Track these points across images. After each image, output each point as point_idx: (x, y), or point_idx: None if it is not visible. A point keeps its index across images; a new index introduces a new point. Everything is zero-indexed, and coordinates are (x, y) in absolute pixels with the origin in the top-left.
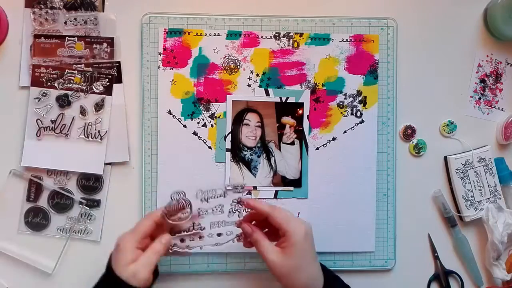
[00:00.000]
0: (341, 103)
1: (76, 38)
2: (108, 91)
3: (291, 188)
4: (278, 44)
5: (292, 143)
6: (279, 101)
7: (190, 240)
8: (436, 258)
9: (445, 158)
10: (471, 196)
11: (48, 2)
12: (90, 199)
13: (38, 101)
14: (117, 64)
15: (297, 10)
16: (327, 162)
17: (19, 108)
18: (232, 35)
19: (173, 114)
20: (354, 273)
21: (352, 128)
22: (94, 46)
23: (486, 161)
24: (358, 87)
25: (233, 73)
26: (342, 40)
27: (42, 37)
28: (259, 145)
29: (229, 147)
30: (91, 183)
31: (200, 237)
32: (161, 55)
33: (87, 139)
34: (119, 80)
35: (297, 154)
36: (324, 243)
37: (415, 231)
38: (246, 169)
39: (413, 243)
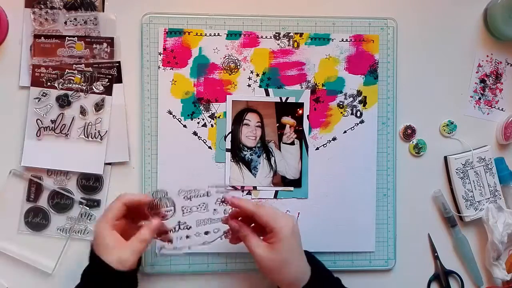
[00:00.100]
0: (341, 103)
1: (76, 38)
2: (108, 91)
3: (291, 188)
4: (278, 44)
5: (292, 143)
6: (279, 101)
7: (178, 239)
8: (436, 258)
9: (445, 158)
10: (471, 196)
11: (48, 2)
12: (90, 199)
13: (38, 101)
14: (117, 64)
15: (297, 10)
16: (327, 162)
17: (19, 108)
18: (232, 35)
19: (173, 114)
20: (354, 273)
21: (352, 128)
22: (94, 46)
23: (486, 161)
24: (358, 87)
25: (233, 73)
26: (342, 40)
27: (42, 37)
28: (259, 145)
29: (229, 147)
30: (91, 183)
31: (187, 237)
32: (161, 55)
33: (87, 139)
34: (119, 80)
35: (297, 154)
36: (324, 243)
37: (415, 231)
38: (246, 169)
39: (413, 243)
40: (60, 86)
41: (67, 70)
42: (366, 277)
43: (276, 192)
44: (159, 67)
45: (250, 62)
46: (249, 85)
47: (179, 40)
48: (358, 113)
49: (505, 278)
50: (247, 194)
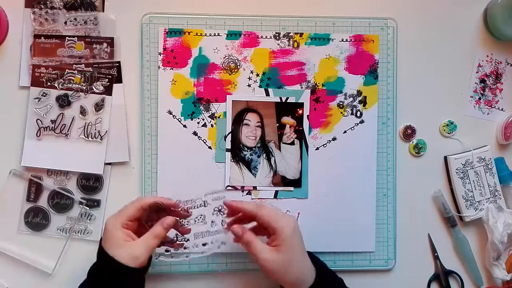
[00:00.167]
0: (341, 103)
1: (76, 38)
2: (108, 91)
3: (291, 188)
4: (278, 44)
5: (292, 143)
6: (279, 101)
7: (175, 250)
8: (436, 258)
9: (445, 158)
10: (471, 196)
11: (48, 2)
12: (90, 199)
13: (38, 101)
14: (117, 64)
15: (297, 10)
16: (327, 162)
17: (19, 108)
18: (232, 35)
19: (173, 114)
20: (354, 273)
21: (352, 128)
22: (94, 46)
23: (486, 161)
24: (358, 87)
25: (233, 73)
26: (342, 40)
27: (42, 37)
28: (259, 145)
29: (229, 147)
30: (91, 183)
31: (185, 248)
32: (161, 55)
33: (87, 139)
34: (119, 80)
35: (297, 154)
36: (324, 243)
37: (415, 231)
38: (246, 169)
39: (413, 243)
40: (60, 86)
41: (67, 70)
42: (366, 277)
43: (276, 192)
44: (159, 67)
45: (250, 62)
46: (249, 85)
47: (179, 40)
48: (358, 113)
49: (505, 278)
50: (247, 194)
